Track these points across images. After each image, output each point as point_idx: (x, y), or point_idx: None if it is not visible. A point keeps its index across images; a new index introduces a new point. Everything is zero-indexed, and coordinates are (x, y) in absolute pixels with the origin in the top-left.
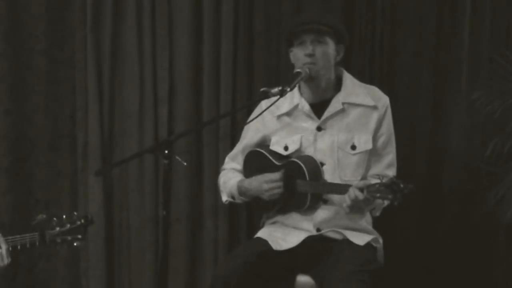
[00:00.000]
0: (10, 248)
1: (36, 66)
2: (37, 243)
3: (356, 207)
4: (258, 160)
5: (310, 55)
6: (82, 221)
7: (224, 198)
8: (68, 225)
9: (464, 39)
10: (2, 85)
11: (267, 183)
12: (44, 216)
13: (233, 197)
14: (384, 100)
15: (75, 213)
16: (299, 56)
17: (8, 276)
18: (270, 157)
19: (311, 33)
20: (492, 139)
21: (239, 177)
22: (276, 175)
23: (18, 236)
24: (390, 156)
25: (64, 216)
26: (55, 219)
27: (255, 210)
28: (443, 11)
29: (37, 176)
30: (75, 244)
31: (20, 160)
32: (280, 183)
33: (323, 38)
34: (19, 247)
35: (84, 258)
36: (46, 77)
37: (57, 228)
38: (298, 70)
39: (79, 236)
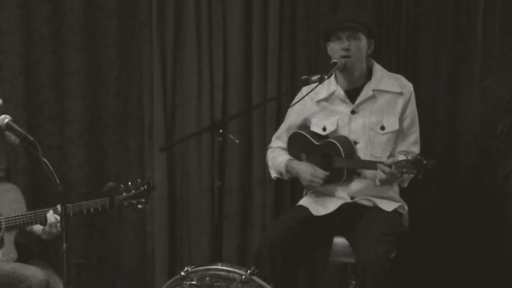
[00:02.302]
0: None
1: (108, 57)
2: (107, 207)
3: (386, 181)
4: (300, 141)
5: (346, 49)
6: (145, 186)
7: (273, 174)
8: (133, 191)
9: (478, 33)
10: (79, 73)
11: (312, 175)
12: (113, 183)
13: (280, 174)
14: (408, 87)
15: (139, 180)
16: (336, 49)
17: (85, 237)
18: (311, 138)
19: (347, 30)
20: (502, 119)
21: (285, 155)
22: (322, 174)
23: (91, 201)
24: (415, 135)
25: (129, 183)
26: (122, 186)
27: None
28: (459, 9)
29: (109, 152)
30: (139, 206)
31: (95, 138)
32: (321, 182)
33: (357, 35)
34: (92, 210)
35: (149, 222)
36: (117, 66)
37: (124, 194)
38: (335, 60)
39: (143, 200)
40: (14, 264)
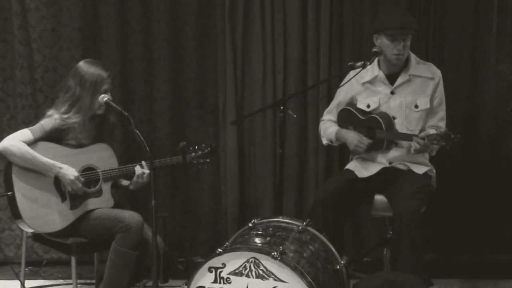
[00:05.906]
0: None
1: (188, 47)
2: (181, 163)
3: (419, 151)
4: (348, 115)
5: (400, 49)
6: (209, 149)
7: (324, 142)
8: (200, 152)
9: (493, 28)
10: (164, 61)
11: (358, 141)
12: (184, 143)
13: (331, 141)
14: (438, 73)
15: (203, 144)
16: (390, 47)
17: (170, 195)
18: (357, 113)
19: (406, 35)
20: None
21: (335, 126)
22: (366, 141)
23: (169, 158)
24: (442, 112)
25: (196, 147)
26: (191, 148)
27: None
28: (478, 9)
29: (190, 125)
30: (205, 167)
31: (178, 114)
32: (365, 147)
33: (409, 37)
34: (170, 164)
35: (223, 183)
36: (195, 55)
37: (193, 154)
38: (375, 50)
39: (208, 160)
40: (113, 209)
